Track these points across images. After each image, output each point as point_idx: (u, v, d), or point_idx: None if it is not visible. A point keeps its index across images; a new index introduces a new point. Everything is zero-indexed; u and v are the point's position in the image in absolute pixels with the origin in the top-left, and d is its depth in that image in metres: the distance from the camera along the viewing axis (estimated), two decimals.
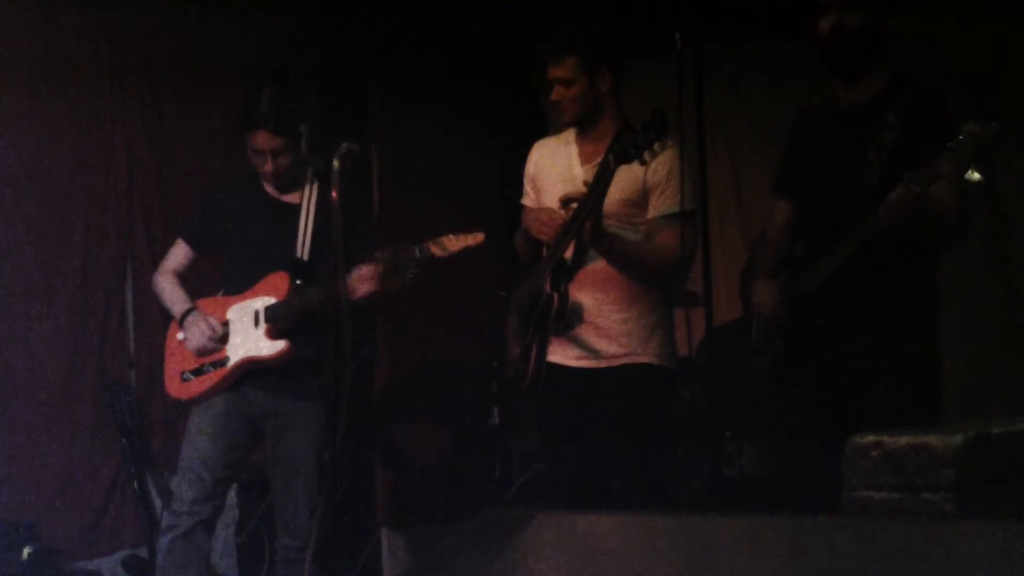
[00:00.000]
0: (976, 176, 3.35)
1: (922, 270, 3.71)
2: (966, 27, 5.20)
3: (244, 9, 5.44)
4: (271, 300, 4.15)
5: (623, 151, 3.58)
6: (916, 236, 3.55)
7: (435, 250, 3.94)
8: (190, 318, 4.21)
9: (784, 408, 3.93)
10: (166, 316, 4.45)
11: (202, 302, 4.29)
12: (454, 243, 3.93)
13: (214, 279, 4.42)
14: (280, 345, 4.13)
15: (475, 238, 3.93)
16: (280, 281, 4.16)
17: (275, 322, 4.13)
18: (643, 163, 3.61)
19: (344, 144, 3.32)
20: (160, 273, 4.38)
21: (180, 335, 4.25)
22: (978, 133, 3.32)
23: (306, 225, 4.21)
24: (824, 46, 3.71)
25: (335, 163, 3.30)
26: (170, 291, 4.31)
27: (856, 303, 3.62)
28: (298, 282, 4.13)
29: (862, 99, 3.72)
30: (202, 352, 4.17)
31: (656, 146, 3.53)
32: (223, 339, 4.17)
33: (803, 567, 2.87)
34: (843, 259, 3.60)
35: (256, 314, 4.16)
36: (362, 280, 3.99)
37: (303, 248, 4.19)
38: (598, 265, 3.91)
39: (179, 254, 4.37)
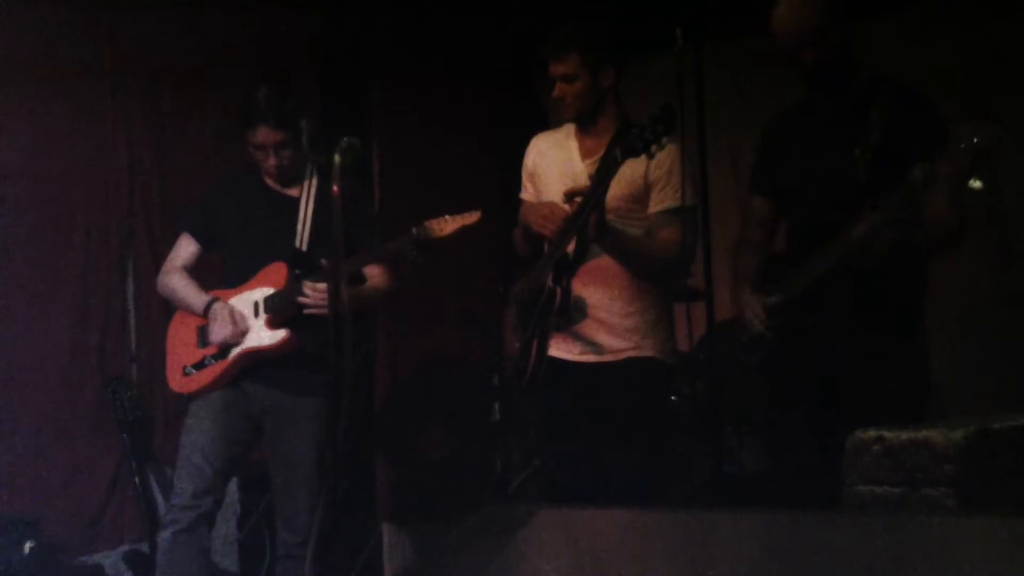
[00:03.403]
0: (977, 184, 3.33)
1: (910, 266, 3.71)
2: (966, 27, 5.20)
3: (244, 9, 5.45)
4: (270, 291, 4.16)
5: (631, 145, 3.58)
6: (910, 249, 3.56)
7: (432, 230, 3.94)
8: (215, 308, 4.20)
9: (777, 404, 3.94)
10: (167, 312, 4.46)
11: None
12: (450, 223, 3.93)
13: (212, 274, 4.43)
14: (280, 335, 4.13)
15: (472, 217, 3.94)
16: (279, 272, 4.17)
17: (275, 312, 4.14)
18: (651, 156, 3.61)
19: (345, 139, 3.32)
20: (168, 272, 4.36)
21: (200, 325, 4.25)
22: (976, 138, 3.29)
23: (305, 216, 4.22)
24: (803, 75, 3.71)
25: (336, 157, 3.31)
26: (184, 287, 4.30)
27: (843, 300, 3.62)
28: (297, 272, 4.14)
29: (842, 99, 3.72)
30: (226, 343, 4.16)
31: (663, 140, 3.54)
32: (246, 331, 4.17)
33: (804, 563, 2.87)
34: (819, 271, 3.61)
35: (255, 305, 4.17)
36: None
37: (302, 239, 4.20)
38: (600, 260, 3.92)
39: (185, 251, 4.35)
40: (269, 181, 4.29)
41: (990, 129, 3.30)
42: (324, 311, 3.92)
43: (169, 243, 4.48)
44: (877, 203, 3.44)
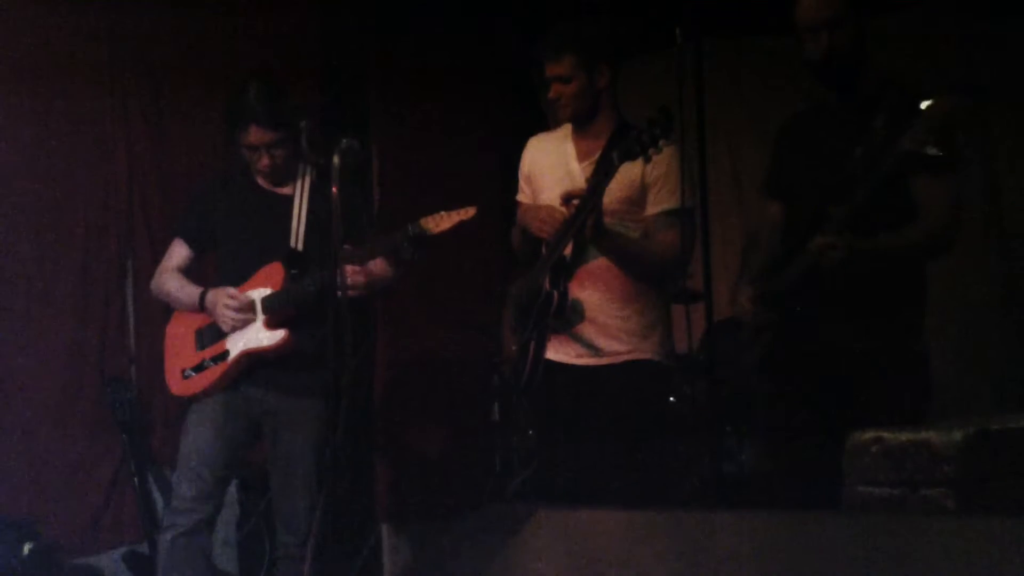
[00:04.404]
0: (934, 151, 3.37)
1: (908, 266, 3.71)
2: (965, 27, 5.20)
3: (244, 9, 5.44)
4: (267, 291, 4.15)
5: (628, 149, 3.59)
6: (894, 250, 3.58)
7: (428, 226, 3.93)
8: (208, 298, 4.19)
9: (777, 405, 3.94)
10: (167, 312, 4.46)
11: None
12: (446, 220, 3.91)
13: (211, 277, 4.43)
14: (280, 335, 4.12)
15: (467, 213, 3.91)
16: (275, 271, 4.16)
17: (273, 313, 4.13)
18: (647, 160, 3.62)
19: (344, 140, 3.33)
20: (162, 273, 4.36)
21: (197, 323, 4.25)
22: (934, 107, 3.34)
23: (299, 215, 4.21)
24: (814, 66, 3.72)
25: (335, 159, 3.31)
26: (178, 286, 4.29)
27: (844, 300, 3.63)
28: (293, 271, 4.13)
29: (850, 101, 3.73)
30: (236, 328, 4.14)
31: (660, 143, 3.55)
32: (250, 307, 4.15)
33: (803, 563, 2.88)
34: (801, 268, 3.62)
35: (253, 306, 4.16)
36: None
37: (297, 238, 4.19)
38: (598, 263, 3.92)
39: (178, 254, 4.35)
40: (261, 181, 4.28)
41: (948, 98, 3.35)
42: (361, 292, 3.90)
43: (169, 244, 4.48)
44: (842, 203, 3.49)
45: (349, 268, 3.88)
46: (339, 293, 3.33)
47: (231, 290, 4.15)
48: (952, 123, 3.43)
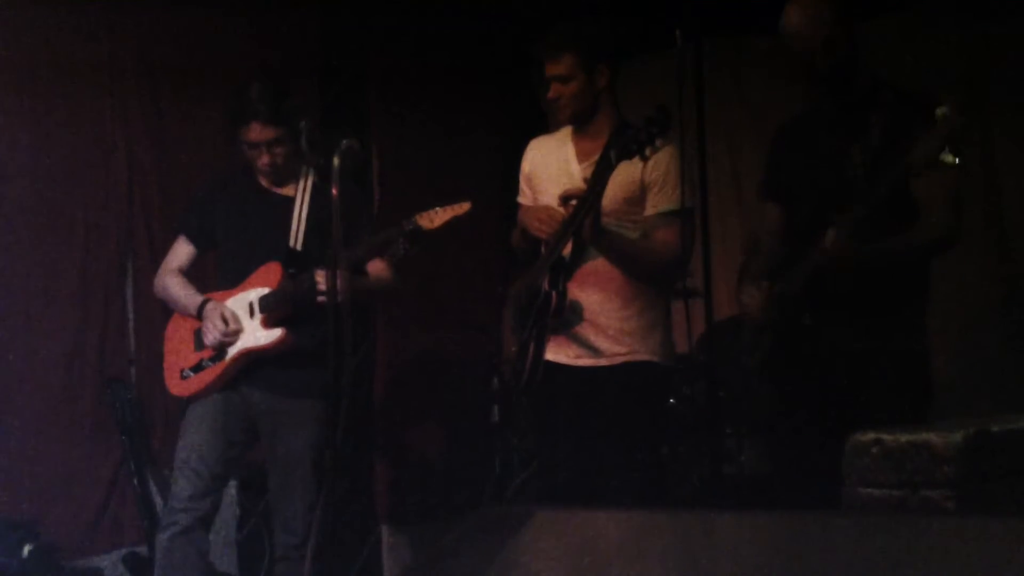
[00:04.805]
0: (951, 159, 3.36)
1: (911, 267, 3.71)
2: (964, 27, 5.21)
3: (244, 9, 5.44)
4: (265, 290, 4.15)
5: (625, 147, 3.58)
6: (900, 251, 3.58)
7: (423, 222, 3.93)
8: (207, 309, 4.19)
9: (776, 406, 3.94)
10: (166, 313, 4.46)
11: None
12: (440, 215, 3.91)
13: (211, 276, 4.43)
14: (277, 333, 4.12)
15: (462, 208, 3.91)
16: (273, 271, 4.16)
17: (270, 312, 4.13)
18: (644, 159, 3.62)
19: (344, 141, 3.32)
20: (164, 274, 4.36)
21: (196, 328, 4.24)
22: (950, 118, 3.33)
23: (300, 215, 4.21)
24: (809, 79, 3.72)
25: (335, 160, 3.31)
26: (179, 289, 4.29)
27: (844, 301, 3.63)
28: (291, 271, 4.13)
29: (845, 101, 3.73)
30: (220, 346, 4.16)
31: (658, 142, 3.55)
32: (238, 331, 4.16)
33: (803, 564, 2.87)
34: (806, 273, 3.62)
35: (251, 305, 4.15)
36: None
37: (296, 238, 4.19)
38: (597, 263, 3.91)
39: (181, 253, 4.36)
40: (263, 180, 4.29)
41: (957, 106, 3.34)
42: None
43: (169, 244, 4.48)
44: (844, 206, 3.48)
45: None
46: (338, 297, 3.32)
47: (229, 311, 4.15)
48: (962, 131, 3.41)
